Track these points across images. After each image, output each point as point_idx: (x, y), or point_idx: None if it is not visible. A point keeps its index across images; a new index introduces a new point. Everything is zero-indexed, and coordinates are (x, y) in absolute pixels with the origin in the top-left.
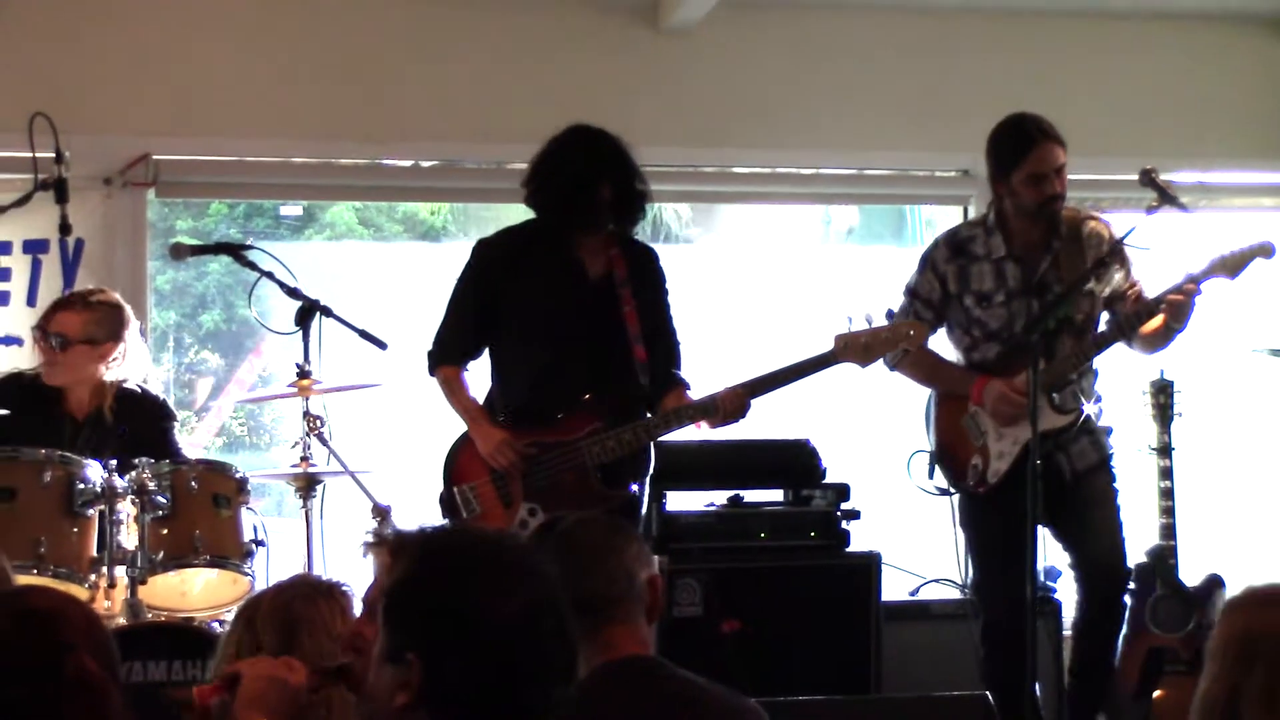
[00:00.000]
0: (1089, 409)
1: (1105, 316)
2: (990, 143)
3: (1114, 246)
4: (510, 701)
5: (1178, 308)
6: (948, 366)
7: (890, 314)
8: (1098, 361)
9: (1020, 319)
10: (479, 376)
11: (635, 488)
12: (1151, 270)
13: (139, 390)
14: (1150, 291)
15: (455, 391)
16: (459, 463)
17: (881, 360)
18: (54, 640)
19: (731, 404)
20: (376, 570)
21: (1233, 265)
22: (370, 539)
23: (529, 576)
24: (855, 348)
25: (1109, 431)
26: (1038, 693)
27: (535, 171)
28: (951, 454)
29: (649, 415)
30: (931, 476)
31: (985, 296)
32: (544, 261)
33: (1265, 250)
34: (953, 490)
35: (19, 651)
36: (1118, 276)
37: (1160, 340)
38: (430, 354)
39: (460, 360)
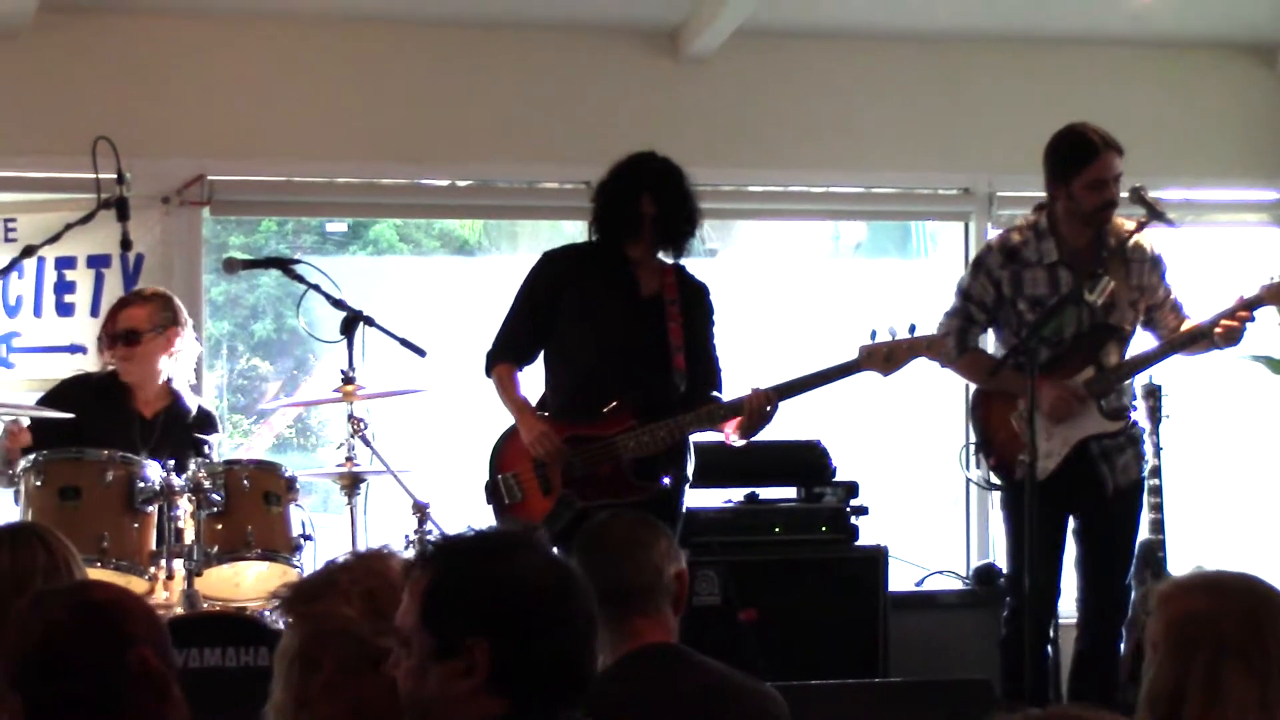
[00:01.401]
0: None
1: (1141, 321)
2: (1053, 149)
3: (1155, 259)
4: (564, 656)
5: (1230, 333)
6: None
7: (913, 327)
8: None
9: (1070, 324)
10: (533, 380)
11: (668, 481)
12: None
13: (191, 396)
14: (1184, 299)
15: (507, 388)
16: (505, 453)
17: (937, 363)
18: (117, 633)
19: (757, 404)
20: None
21: None
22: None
23: (536, 547)
24: (878, 357)
25: (1142, 434)
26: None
27: (594, 193)
28: (1000, 449)
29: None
30: (978, 468)
31: (1039, 301)
32: (601, 274)
33: None
34: (1000, 485)
35: (83, 644)
36: (1159, 289)
37: (1201, 351)
38: (488, 353)
39: (515, 360)
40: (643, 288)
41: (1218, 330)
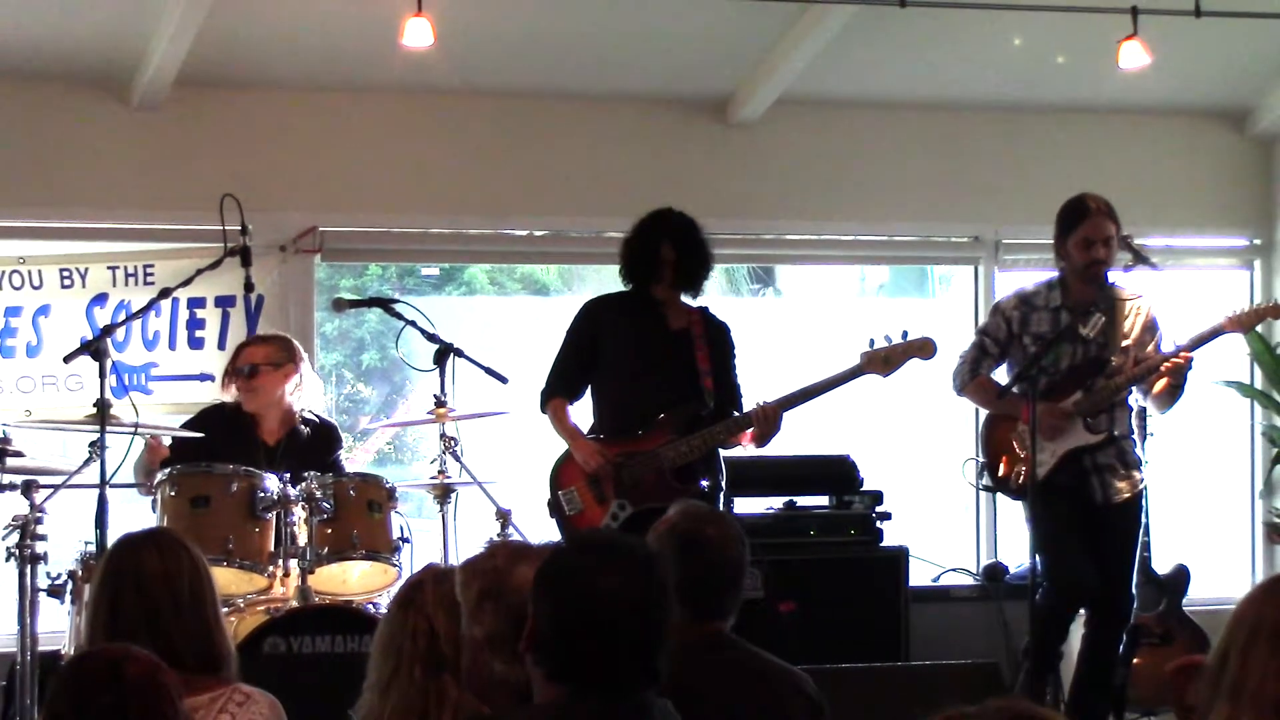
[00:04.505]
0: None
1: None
2: (1059, 212)
3: (1152, 322)
4: (605, 662)
5: (1175, 369)
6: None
7: (905, 333)
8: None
9: (1066, 358)
10: (582, 410)
11: (705, 484)
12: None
13: (317, 419)
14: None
15: (561, 419)
16: (562, 472)
17: (953, 389)
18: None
19: (765, 415)
20: None
21: (1246, 322)
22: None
23: (633, 565)
24: (876, 361)
25: (1141, 463)
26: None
27: (621, 245)
28: (999, 460)
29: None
30: (981, 478)
31: (1040, 337)
32: (635, 315)
33: (1276, 310)
34: (996, 489)
35: None
36: (1149, 346)
37: (1169, 400)
38: (543, 391)
39: (567, 394)
40: (671, 323)
41: (1165, 366)
